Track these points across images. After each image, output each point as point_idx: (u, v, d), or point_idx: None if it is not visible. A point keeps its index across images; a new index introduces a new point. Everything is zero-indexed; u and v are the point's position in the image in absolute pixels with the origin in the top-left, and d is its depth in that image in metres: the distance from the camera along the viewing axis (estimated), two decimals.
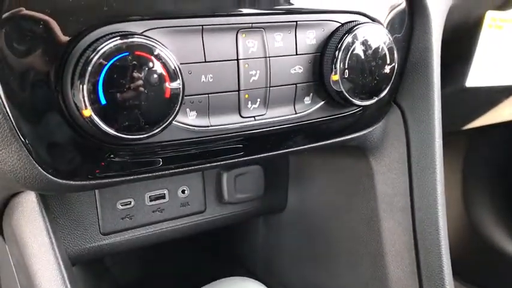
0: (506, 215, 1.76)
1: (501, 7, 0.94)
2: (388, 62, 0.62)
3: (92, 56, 0.45)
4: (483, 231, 1.74)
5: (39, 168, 0.50)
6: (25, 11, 0.45)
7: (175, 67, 0.48)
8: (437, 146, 0.72)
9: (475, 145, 1.78)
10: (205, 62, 0.54)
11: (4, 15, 0.44)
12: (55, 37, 0.46)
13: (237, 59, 0.55)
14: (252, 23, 0.56)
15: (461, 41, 0.96)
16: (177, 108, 0.49)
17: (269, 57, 0.57)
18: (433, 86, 0.70)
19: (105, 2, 0.48)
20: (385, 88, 0.63)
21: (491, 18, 0.92)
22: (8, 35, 0.45)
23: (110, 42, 0.46)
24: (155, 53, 0.47)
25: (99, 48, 0.46)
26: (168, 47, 0.50)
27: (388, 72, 0.63)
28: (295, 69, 0.60)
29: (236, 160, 0.62)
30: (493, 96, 1.28)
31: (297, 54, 0.59)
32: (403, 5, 0.67)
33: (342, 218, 0.83)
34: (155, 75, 0.47)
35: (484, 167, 1.80)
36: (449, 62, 1.03)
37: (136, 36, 0.47)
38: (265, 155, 0.64)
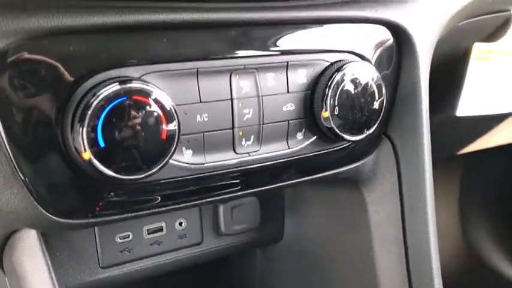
0: (504, 238, 1.76)
1: (487, 39, 0.97)
2: (376, 98, 0.65)
3: (91, 100, 0.48)
4: (481, 254, 1.74)
5: (41, 208, 0.52)
6: (29, 56, 0.48)
7: (171, 109, 0.51)
8: (427, 177, 0.74)
9: (471, 169, 1.79)
10: (201, 102, 0.56)
11: (9, 60, 0.47)
12: (56, 82, 0.49)
13: (231, 99, 0.58)
14: (245, 65, 0.58)
15: (450, 72, 0.99)
16: (173, 149, 0.52)
17: (262, 96, 0.60)
18: (421, 119, 0.73)
19: (105, 49, 0.50)
20: (374, 123, 0.66)
21: (478, 50, 0.95)
22: (11, 78, 0.47)
23: (109, 88, 0.48)
24: (152, 97, 0.50)
25: (99, 93, 0.48)
26: (165, 89, 0.52)
27: (377, 108, 0.65)
28: (287, 107, 0.62)
29: (232, 195, 0.64)
30: (485, 122, 1.31)
31: (288, 92, 0.62)
32: (391, 42, 0.70)
33: (337, 249, 0.85)
34: (152, 118, 0.50)
35: (480, 190, 1.81)
36: (439, 92, 1.06)
37: (134, 81, 0.49)
38: (260, 189, 0.66)
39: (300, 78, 0.62)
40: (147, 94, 0.49)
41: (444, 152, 1.61)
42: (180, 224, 0.84)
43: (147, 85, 0.50)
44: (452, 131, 1.33)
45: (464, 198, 1.81)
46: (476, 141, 1.53)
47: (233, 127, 0.59)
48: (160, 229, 0.82)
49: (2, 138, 0.49)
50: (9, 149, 0.49)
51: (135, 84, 0.49)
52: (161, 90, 0.51)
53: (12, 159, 0.49)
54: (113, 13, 0.49)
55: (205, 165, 0.58)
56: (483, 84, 0.99)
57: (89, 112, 0.48)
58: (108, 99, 0.48)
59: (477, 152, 1.59)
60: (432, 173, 0.75)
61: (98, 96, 0.48)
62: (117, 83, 0.48)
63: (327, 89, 0.62)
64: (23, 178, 0.50)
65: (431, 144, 0.75)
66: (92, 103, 0.48)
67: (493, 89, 1.02)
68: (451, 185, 1.83)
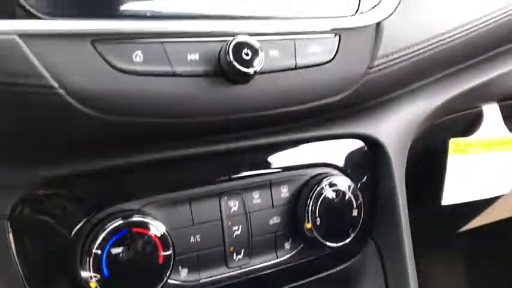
0: None
1: (463, 133, 1.05)
2: (354, 206, 0.72)
3: (98, 234, 0.56)
4: None
5: None
6: (43, 197, 0.56)
7: (167, 237, 0.58)
8: (410, 274, 0.79)
9: (477, 241, 1.81)
10: (194, 225, 0.63)
11: (27, 201, 0.55)
12: (66, 218, 0.57)
13: (221, 219, 0.65)
14: (233, 187, 0.66)
15: (432, 164, 1.06)
16: (169, 271, 0.58)
17: (249, 213, 0.67)
18: (400, 220, 0.79)
19: (109, 188, 0.59)
20: (354, 229, 0.72)
21: (455, 144, 1.02)
22: (28, 216, 0.56)
23: (114, 222, 0.56)
24: (150, 228, 0.57)
25: (105, 227, 0.56)
26: (161, 217, 0.60)
27: (355, 215, 0.72)
28: (273, 220, 0.69)
29: None
30: (478, 203, 1.35)
31: (273, 207, 0.69)
32: (365, 152, 0.78)
33: None
34: (150, 247, 0.57)
35: (489, 260, 1.82)
36: (425, 182, 1.12)
37: (134, 215, 0.57)
38: None
39: (283, 193, 0.70)
40: (145, 226, 0.57)
41: (447, 230, 1.64)
42: None
43: (146, 217, 0.58)
44: (450, 213, 1.37)
45: (473, 272, 1.81)
46: (475, 218, 1.57)
47: (224, 244, 0.66)
48: None
49: (18, 268, 0.56)
50: (24, 278, 0.56)
51: (135, 218, 0.57)
52: (158, 220, 0.59)
53: (26, 286, 0.56)
54: (118, 157, 0.58)
55: (201, 281, 0.64)
56: (464, 174, 1.05)
57: (96, 245, 0.55)
58: (113, 232, 0.55)
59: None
60: (440, 248, 0.79)
61: (105, 229, 0.56)
62: (120, 218, 0.56)
63: (308, 201, 0.69)
64: None
65: (433, 225, 0.80)
66: (99, 237, 0.55)
67: (475, 177, 1.08)
68: (459, 259, 1.83)
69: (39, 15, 0.48)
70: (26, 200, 0.55)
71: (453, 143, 1.02)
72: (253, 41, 0.55)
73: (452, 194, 1.06)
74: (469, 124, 1.05)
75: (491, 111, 1.04)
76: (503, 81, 1.02)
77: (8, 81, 0.47)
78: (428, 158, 1.04)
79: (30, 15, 0.48)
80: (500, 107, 1.05)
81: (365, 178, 0.77)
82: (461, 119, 1.03)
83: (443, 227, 1.55)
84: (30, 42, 0.48)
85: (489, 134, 1.04)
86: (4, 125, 0.51)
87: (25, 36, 0.47)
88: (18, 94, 0.48)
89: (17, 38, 0.47)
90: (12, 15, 0.48)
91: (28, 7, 0.48)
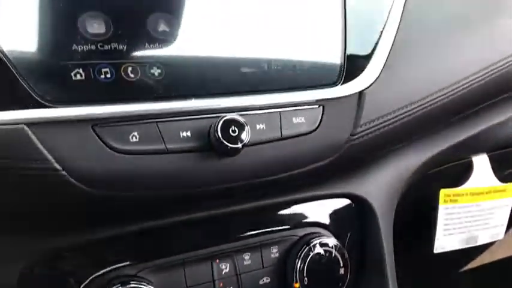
0: None
1: (453, 184, 1.08)
2: (341, 265, 0.75)
3: None
4: None
5: None
6: (46, 265, 0.61)
7: None
8: None
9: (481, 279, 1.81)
10: (187, 287, 0.67)
11: (35, 269, 0.60)
12: (66, 285, 0.62)
13: (213, 280, 0.69)
14: (224, 250, 0.70)
15: (421, 214, 1.09)
16: None
17: (240, 274, 0.71)
18: (387, 276, 0.81)
19: (109, 254, 0.63)
20: (342, 286, 0.75)
21: (445, 194, 1.06)
22: (34, 278, 0.61)
23: None
24: None
25: None
26: (156, 281, 0.64)
27: (342, 273, 0.75)
28: (263, 280, 0.73)
29: None
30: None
31: (263, 268, 0.73)
32: (353, 211, 0.82)
33: None
34: None
35: None
36: (417, 230, 1.15)
37: (131, 281, 0.62)
38: None
39: (273, 253, 0.74)
40: None
41: (448, 269, 1.65)
42: None
43: (141, 283, 0.62)
44: (448, 254, 1.39)
45: None
46: (476, 259, 1.59)
47: None
48: None
49: None
50: None
51: (132, 285, 0.62)
52: (153, 284, 0.63)
53: None
54: (116, 227, 0.63)
55: None
56: (455, 223, 1.08)
57: None
58: None
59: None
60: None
61: None
62: (119, 285, 0.61)
63: (297, 260, 0.73)
64: None
65: (434, 265, 0.81)
66: None
67: (466, 226, 1.11)
68: None
69: (44, 103, 0.53)
70: (33, 267, 0.60)
71: (443, 193, 1.05)
72: (239, 118, 0.60)
73: (444, 242, 1.09)
74: (459, 174, 1.08)
75: (481, 162, 1.07)
76: (492, 133, 1.04)
77: (15, 165, 0.52)
78: (419, 207, 1.07)
79: (36, 103, 0.53)
80: (489, 157, 1.09)
81: (352, 235, 0.81)
82: (451, 170, 1.07)
83: (445, 266, 1.56)
84: (37, 130, 0.52)
85: (479, 184, 1.08)
86: (13, 202, 0.56)
87: (32, 124, 0.53)
88: (26, 176, 0.53)
89: (25, 127, 0.52)
90: (20, 103, 0.53)
91: (35, 96, 0.53)
